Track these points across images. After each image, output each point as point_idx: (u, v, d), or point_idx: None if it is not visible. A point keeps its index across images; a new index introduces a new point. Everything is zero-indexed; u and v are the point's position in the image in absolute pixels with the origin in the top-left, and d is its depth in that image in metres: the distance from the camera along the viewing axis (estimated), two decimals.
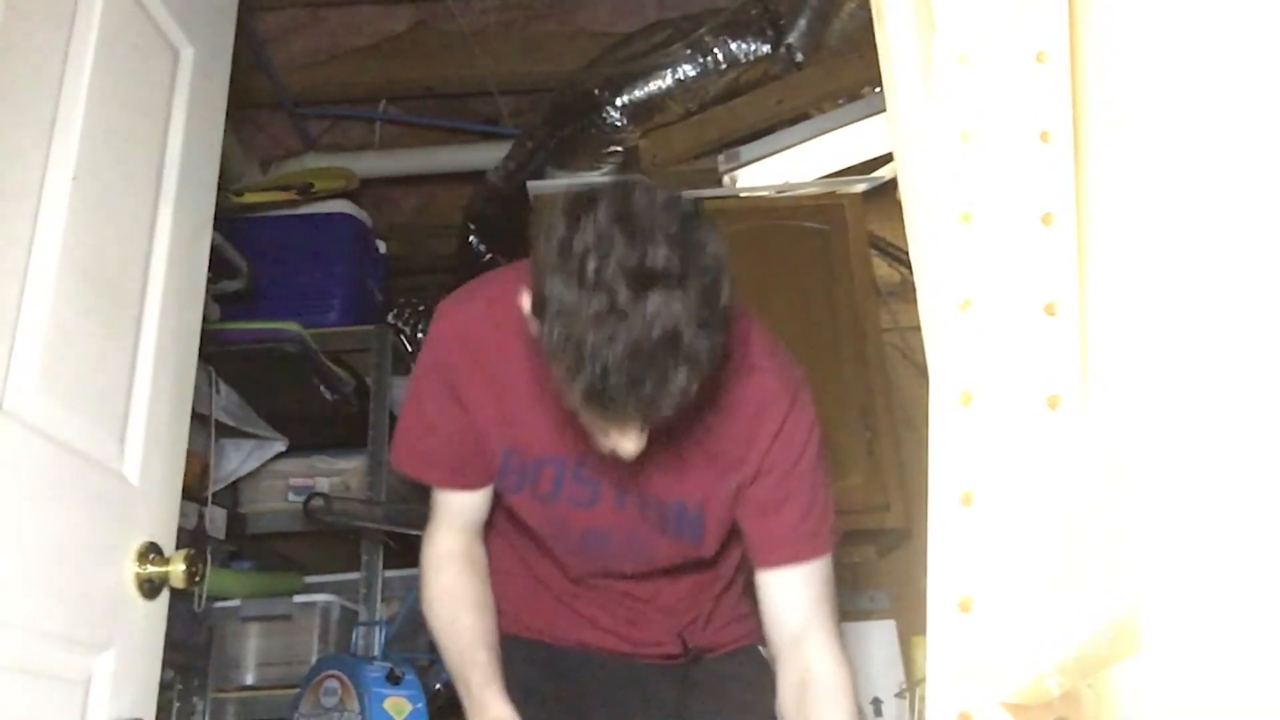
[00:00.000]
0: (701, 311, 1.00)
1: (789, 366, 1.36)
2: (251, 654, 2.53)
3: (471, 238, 3.24)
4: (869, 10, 0.96)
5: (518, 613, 1.50)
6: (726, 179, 2.74)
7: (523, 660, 1.46)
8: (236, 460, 2.60)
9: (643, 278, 0.98)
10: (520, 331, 1.22)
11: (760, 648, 1.50)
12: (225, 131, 1.66)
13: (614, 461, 1.22)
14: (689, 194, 1.09)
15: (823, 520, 1.35)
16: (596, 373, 0.99)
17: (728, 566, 1.50)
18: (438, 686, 2.05)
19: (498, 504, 1.45)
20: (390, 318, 3.58)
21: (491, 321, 1.30)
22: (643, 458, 1.19)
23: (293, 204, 2.99)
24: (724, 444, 1.31)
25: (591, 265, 0.99)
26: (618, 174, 2.78)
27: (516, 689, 1.34)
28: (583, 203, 1.04)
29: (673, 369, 1.01)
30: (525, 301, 1.10)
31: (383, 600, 2.64)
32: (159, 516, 1.37)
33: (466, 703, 1.32)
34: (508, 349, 1.28)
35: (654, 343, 0.98)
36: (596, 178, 2.79)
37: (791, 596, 1.33)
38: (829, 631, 1.33)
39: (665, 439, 1.22)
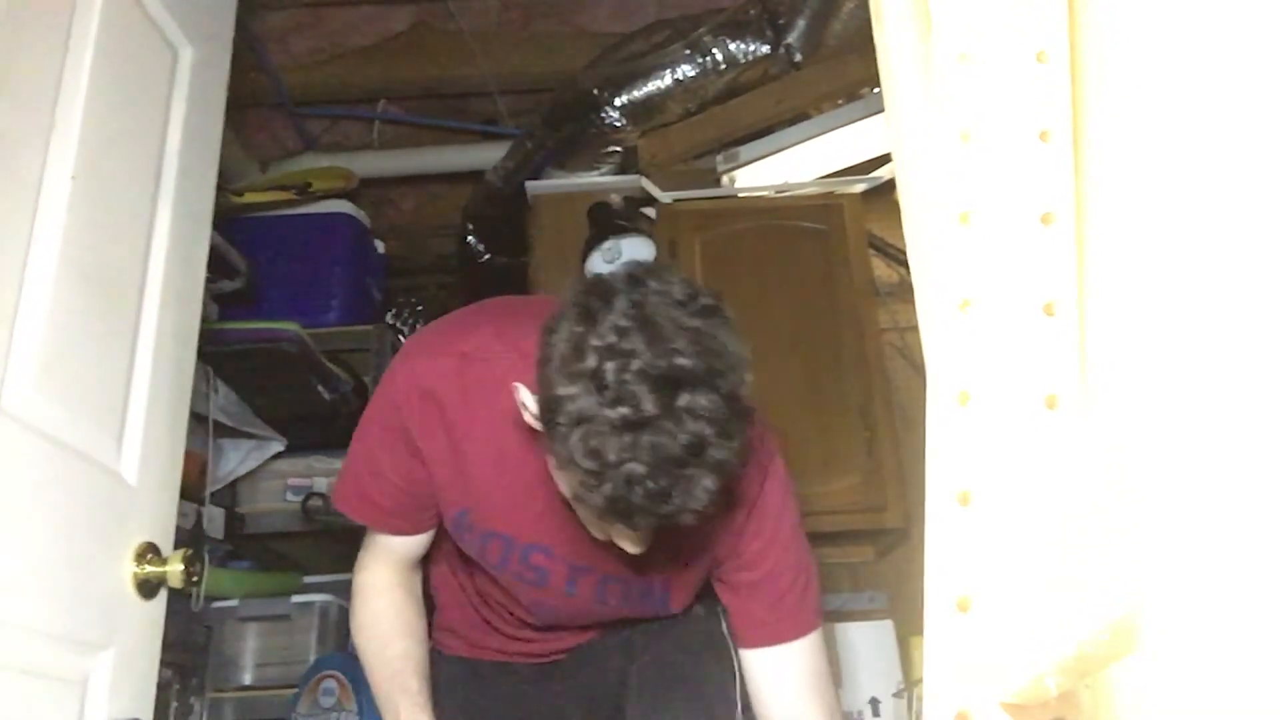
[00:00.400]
0: (726, 416, 0.95)
1: (763, 436, 1.26)
2: (249, 654, 2.53)
3: (470, 238, 3.24)
4: (868, 10, 0.96)
5: (461, 634, 1.48)
6: (725, 179, 2.74)
7: (462, 680, 1.44)
8: (235, 460, 2.59)
9: (666, 384, 0.93)
10: (489, 403, 1.18)
11: (699, 607, 1.42)
12: (224, 131, 1.66)
13: (589, 545, 1.19)
14: (706, 294, 1.01)
15: (805, 594, 1.29)
16: (620, 484, 0.94)
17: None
18: None
19: (443, 535, 1.39)
20: (389, 318, 3.58)
21: (461, 384, 1.21)
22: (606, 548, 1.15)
23: (292, 204, 2.99)
24: (692, 532, 1.18)
25: (611, 370, 0.93)
26: (617, 174, 2.77)
27: (459, 713, 1.33)
28: (595, 297, 0.98)
29: (699, 478, 0.95)
30: (524, 395, 1.05)
31: None
32: (157, 516, 1.37)
33: None
34: (473, 419, 1.21)
35: (681, 452, 0.93)
36: (596, 178, 2.79)
37: (779, 677, 1.29)
38: (824, 710, 1.29)
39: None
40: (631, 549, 1.11)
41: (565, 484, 1.05)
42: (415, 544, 1.38)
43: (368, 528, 1.40)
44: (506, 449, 1.21)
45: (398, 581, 1.39)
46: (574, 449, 0.95)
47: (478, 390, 1.20)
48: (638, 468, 0.93)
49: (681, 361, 0.93)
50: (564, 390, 0.95)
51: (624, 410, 0.92)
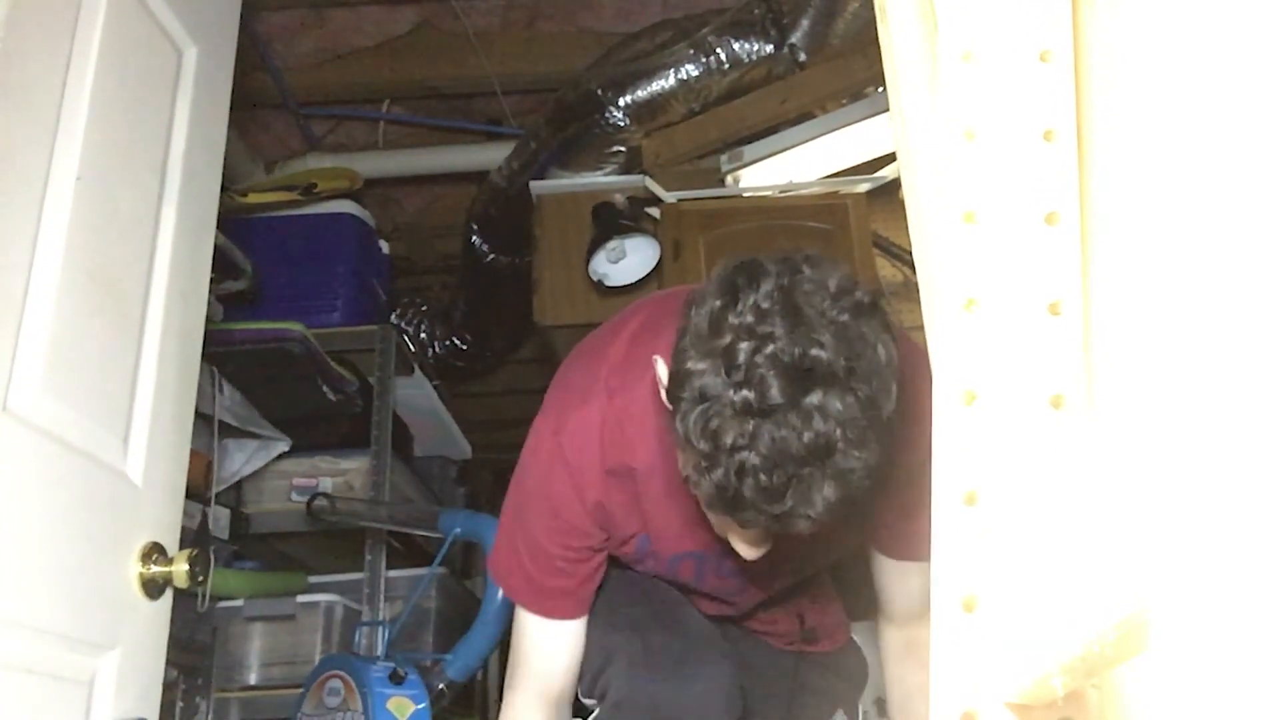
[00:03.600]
0: (861, 422, 0.87)
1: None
2: (255, 654, 2.53)
3: (475, 238, 3.24)
4: (872, 10, 0.96)
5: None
6: (730, 179, 2.74)
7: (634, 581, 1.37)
8: (240, 460, 2.60)
9: (799, 375, 0.87)
10: (649, 410, 1.12)
11: (855, 637, 1.55)
12: (229, 131, 1.66)
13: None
14: (863, 291, 0.93)
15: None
16: (732, 473, 0.88)
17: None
18: (440, 686, 2.05)
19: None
20: (393, 318, 3.58)
21: (615, 420, 1.16)
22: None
23: (296, 204, 2.99)
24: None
25: (744, 350, 0.88)
26: (621, 174, 2.78)
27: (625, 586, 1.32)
28: (743, 273, 0.93)
29: (818, 484, 0.88)
30: (661, 370, 1.00)
31: (386, 600, 2.64)
32: (162, 516, 1.37)
33: None
34: (635, 443, 1.16)
35: (802, 451, 0.87)
36: (600, 178, 2.79)
37: (911, 585, 1.33)
38: None
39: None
40: (746, 552, 1.04)
41: (683, 463, 0.99)
42: (568, 656, 1.30)
43: (513, 653, 1.32)
44: (670, 471, 1.13)
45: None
46: (691, 427, 0.90)
47: (631, 416, 1.15)
48: (753, 458, 0.87)
49: (820, 354, 0.87)
50: (693, 365, 0.91)
51: (748, 394, 0.87)
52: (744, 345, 0.89)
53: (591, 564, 1.26)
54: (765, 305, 0.90)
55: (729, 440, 0.88)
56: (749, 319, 0.89)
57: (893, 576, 1.36)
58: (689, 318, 0.95)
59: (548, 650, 1.30)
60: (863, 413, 0.88)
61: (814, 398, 0.87)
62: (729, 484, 0.89)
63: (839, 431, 0.87)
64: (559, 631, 1.29)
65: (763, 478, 0.88)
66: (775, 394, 0.86)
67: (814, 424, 0.86)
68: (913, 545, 1.30)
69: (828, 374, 0.87)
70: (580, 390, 1.21)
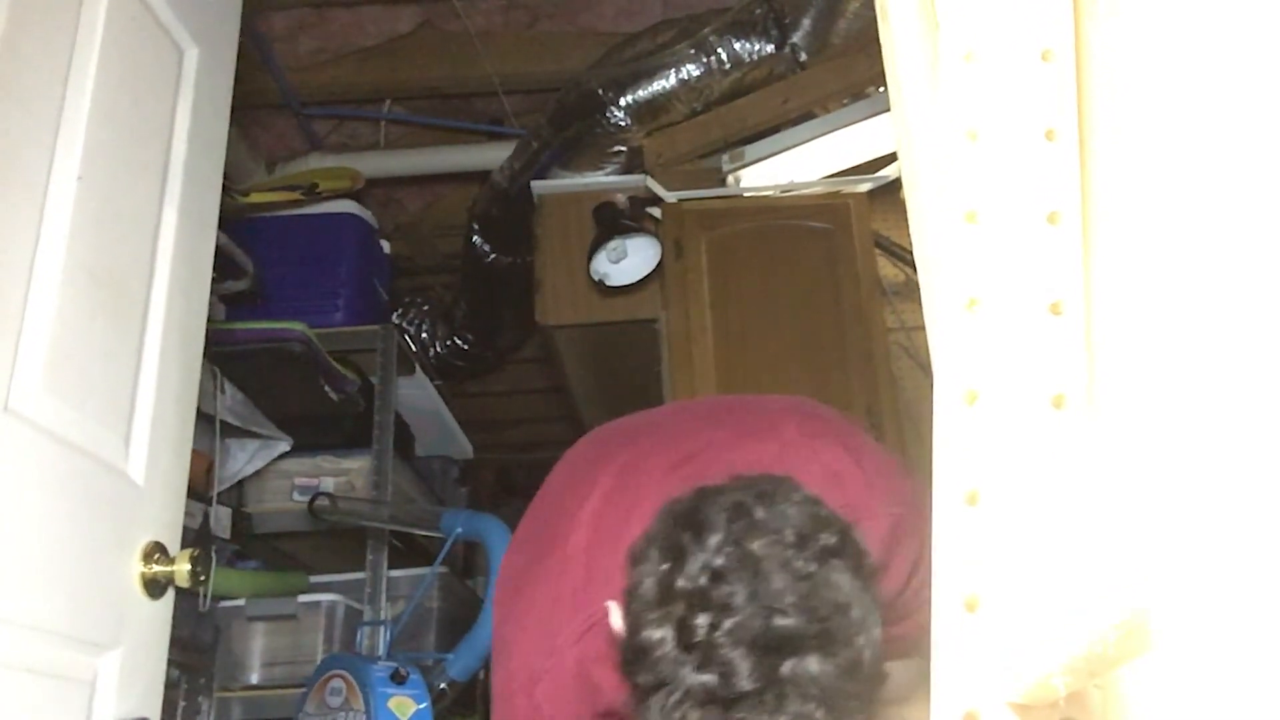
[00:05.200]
0: (843, 691, 0.78)
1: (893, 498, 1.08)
2: (257, 653, 2.53)
3: (476, 237, 3.24)
4: (873, 9, 0.96)
5: None
6: (731, 178, 2.74)
7: None
8: (241, 460, 2.60)
9: (767, 650, 0.77)
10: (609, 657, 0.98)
11: None
12: (230, 131, 1.66)
13: None
14: (826, 520, 0.83)
15: None
16: None
17: None
18: (442, 686, 2.05)
19: None
20: (395, 318, 3.59)
21: (592, 660, 1.01)
22: None
23: (298, 204, 2.99)
24: None
25: (701, 626, 0.77)
26: (622, 174, 2.77)
27: None
28: (687, 526, 0.82)
29: None
30: (616, 618, 0.89)
31: (388, 600, 2.65)
32: (164, 516, 1.37)
33: None
34: (614, 690, 0.98)
35: None
36: (601, 177, 2.79)
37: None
38: None
39: None
40: None
41: None
42: None
43: None
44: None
45: None
46: (652, 712, 0.80)
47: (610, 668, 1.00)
48: None
49: (787, 623, 0.77)
50: (647, 635, 0.80)
51: (712, 679, 0.77)
52: (701, 619, 0.78)
53: None
54: (719, 564, 0.80)
55: None
56: (702, 582, 0.79)
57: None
58: (632, 576, 0.84)
59: None
60: (843, 680, 0.79)
61: (786, 669, 0.77)
62: None
63: (820, 712, 0.78)
64: None
65: None
66: (744, 679, 0.77)
67: (789, 706, 0.77)
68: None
69: (799, 643, 0.77)
70: (546, 627, 1.06)
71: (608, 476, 1.12)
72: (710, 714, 0.77)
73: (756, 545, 0.80)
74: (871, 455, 1.17)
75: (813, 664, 0.77)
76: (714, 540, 0.80)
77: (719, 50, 2.54)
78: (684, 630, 0.78)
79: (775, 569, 0.79)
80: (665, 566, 0.81)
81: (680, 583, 0.79)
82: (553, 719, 1.05)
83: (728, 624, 0.77)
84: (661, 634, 0.79)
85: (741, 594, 0.78)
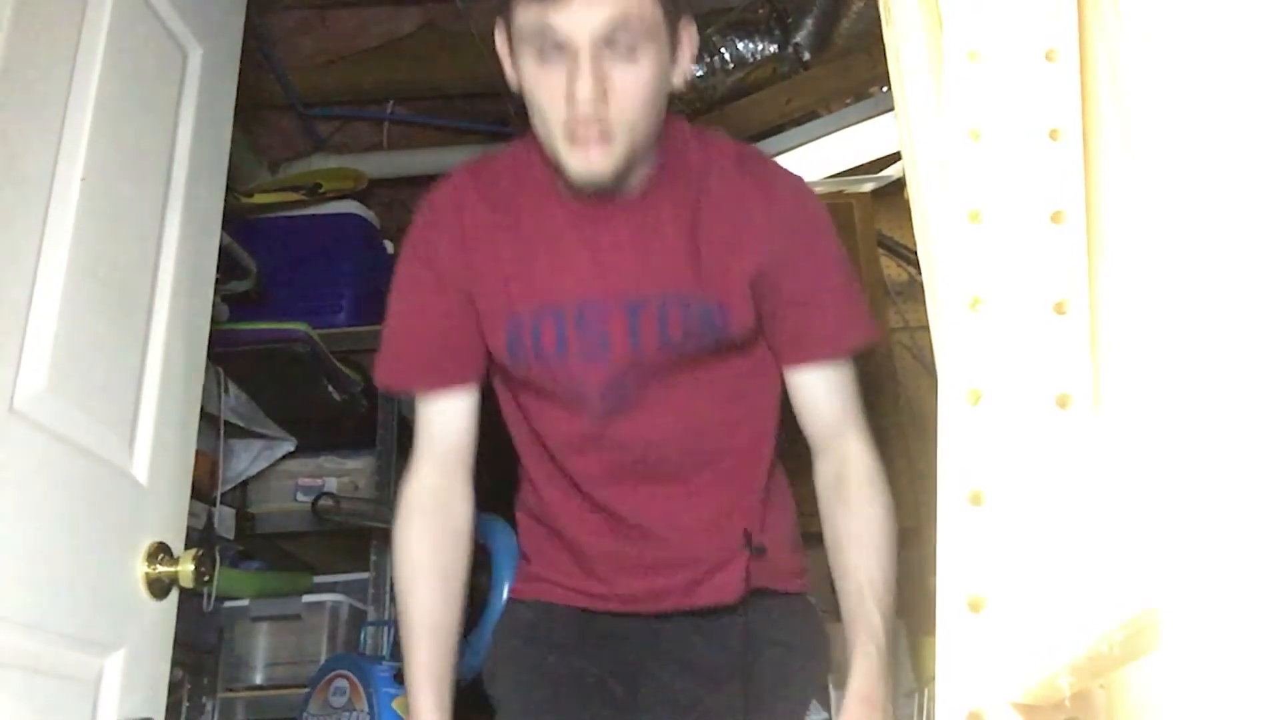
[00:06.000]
0: None
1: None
2: (260, 653, 2.54)
3: None
4: (876, 9, 0.96)
5: (551, 574, 1.43)
6: None
7: (553, 642, 1.37)
8: (245, 460, 2.60)
9: None
10: (495, 184, 1.31)
11: (810, 596, 1.39)
12: (233, 132, 1.66)
13: (612, 262, 1.25)
14: None
15: (859, 304, 1.33)
16: None
17: (766, 445, 1.39)
18: None
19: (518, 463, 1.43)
20: None
21: (476, 185, 1.33)
22: (642, 250, 1.24)
23: (301, 205, 2.99)
24: (727, 227, 1.27)
25: None
26: None
27: (546, 676, 1.32)
28: None
29: None
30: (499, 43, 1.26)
31: (391, 600, 2.64)
32: (168, 517, 1.38)
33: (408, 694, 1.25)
34: (494, 202, 1.31)
35: None
36: None
37: (830, 392, 1.33)
38: (862, 428, 1.34)
39: (652, 222, 1.26)
40: (585, 84, 1.16)
41: (523, 64, 1.22)
42: (459, 424, 1.36)
43: (415, 424, 1.38)
44: (521, 214, 1.29)
45: (438, 498, 1.34)
46: None
47: (491, 180, 1.33)
48: None
49: None
50: None
51: None
52: None
53: (451, 301, 1.30)
54: None
55: None
56: None
57: (803, 392, 1.33)
58: None
59: (435, 424, 1.35)
60: None
61: None
62: None
63: None
64: (441, 406, 1.34)
65: None
66: None
67: None
68: (815, 342, 1.31)
69: None
70: (442, 180, 1.40)
71: None
72: None
73: None
74: None
75: None
76: None
77: (722, 50, 2.53)
78: None
79: None
80: None
81: None
82: (436, 202, 1.35)
83: None
84: None
85: None
